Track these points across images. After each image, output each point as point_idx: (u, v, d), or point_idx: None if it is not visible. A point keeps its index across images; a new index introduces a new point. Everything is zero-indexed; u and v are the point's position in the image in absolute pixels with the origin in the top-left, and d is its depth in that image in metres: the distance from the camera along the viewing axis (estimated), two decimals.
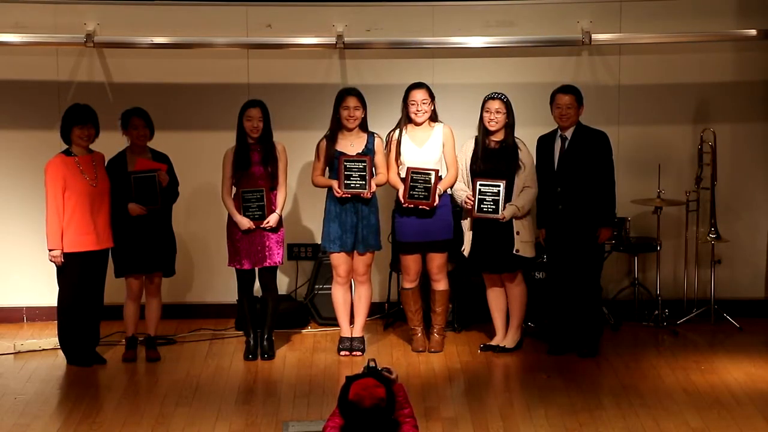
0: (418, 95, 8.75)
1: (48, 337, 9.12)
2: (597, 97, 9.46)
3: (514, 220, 8.64)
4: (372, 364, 5.62)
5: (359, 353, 8.85)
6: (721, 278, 9.70)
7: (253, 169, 8.67)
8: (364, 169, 8.69)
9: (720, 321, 9.56)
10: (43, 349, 9.00)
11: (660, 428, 7.35)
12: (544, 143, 8.80)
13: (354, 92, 8.75)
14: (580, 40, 9.49)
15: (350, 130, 8.76)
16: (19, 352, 8.97)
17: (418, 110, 8.75)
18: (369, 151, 8.75)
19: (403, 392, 5.67)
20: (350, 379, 5.49)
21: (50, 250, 8.45)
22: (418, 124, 8.81)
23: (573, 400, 7.85)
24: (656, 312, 9.53)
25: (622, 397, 7.92)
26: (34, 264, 9.47)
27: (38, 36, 9.40)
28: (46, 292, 9.32)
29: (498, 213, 8.60)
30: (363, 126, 8.79)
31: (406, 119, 8.83)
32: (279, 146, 8.75)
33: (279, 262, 8.78)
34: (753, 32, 9.43)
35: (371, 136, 8.80)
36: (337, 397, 5.50)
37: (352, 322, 8.97)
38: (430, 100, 8.78)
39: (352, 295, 8.98)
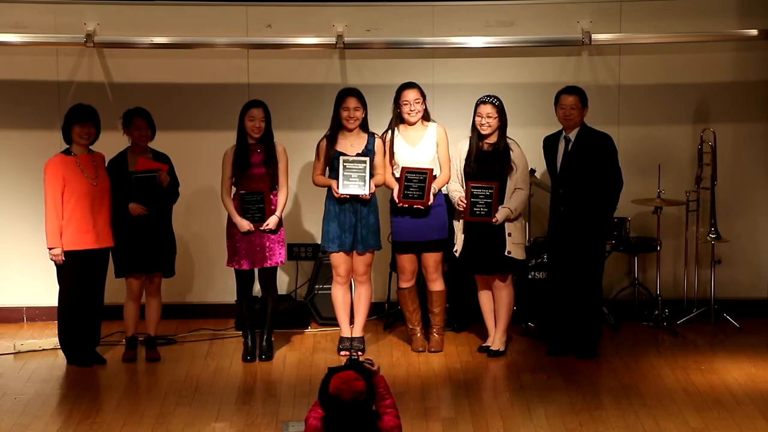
0: (411, 95, 8.75)
1: (48, 337, 9.12)
2: (597, 97, 9.45)
3: (506, 222, 8.64)
4: (354, 356, 5.67)
5: (359, 353, 8.84)
6: (721, 278, 9.70)
7: (254, 170, 8.67)
8: (363, 170, 8.69)
9: (720, 321, 9.56)
10: (43, 349, 9.00)
11: (660, 428, 7.35)
12: (549, 144, 8.79)
13: (354, 93, 8.74)
14: (580, 40, 9.49)
15: (350, 130, 8.76)
16: (19, 352, 8.98)
17: (411, 110, 8.74)
18: (369, 152, 8.74)
19: (384, 383, 5.72)
20: (331, 372, 5.52)
21: (50, 249, 8.46)
22: (411, 124, 8.81)
23: (573, 400, 7.85)
24: (656, 312, 9.53)
25: (622, 397, 7.92)
26: (34, 264, 9.46)
27: (38, 36, 9.40)
28: (46, 292, 9.32)
29: (490, 216, 8.60)
30: (363, 126, 8.79)
31: (398, 119, 8.83)
32: (279, 147, 8.75)
33: (280, 262, 8.79)
34: (754, 32, 9.44)
35: (371, 136, 8.80)
36: (318, 388, 5.52)
37: (352, 322, 8.97)
38: (422, 99, 8.77)
39: (352, 295, 8.99)
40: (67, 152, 8.53)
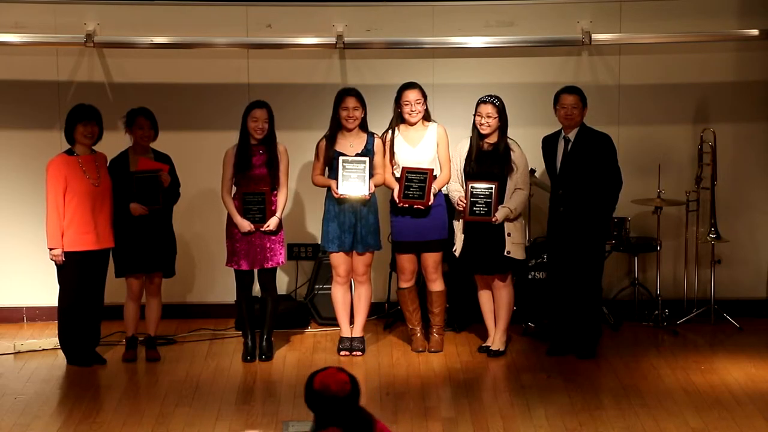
0: (412, 95, 8.75)
1: (48, 337, 9.12)
2: (597, 97, 9.46)
3: (505, 222, 8.64)
4: None
5: (359, 353, 8.85)
6: (721, 278, 9.70)
7: (255, 171, 8.67)
8: (363, 170, 8.69)
9: (720, 321, 9.56)
10: (43, 349, 9.00)
11: (660, 428, 7.35)
12: (548, 144, 8.79)
13: (353, 92, 8.74)
14: (580, 40, 9.49)
15: (350, 130, 8.76)
16: (19, 352, 8.97)
17: (412, 110, 8.74)
18: (368, 152, 8.74)
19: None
20: (313, 374, 5.46)
21: (50, 249, 8.46)
22: (411, 124, 8.81)
23: (573, 400, 7.85)
24: (656, 312, 9.53)
25: (622, 397, 7.92)
26: (34, 264, 9.47)
27: (38, 36, 9.40)
28: (46, 292, 9.32)
29: (490, 216, 8.60)
30: (363, 126, 8.79)
31: (398, 119, 8.83)
32: (281, 147, 8.75)
33: (281, 262, 8.79)
34: (754, 32, 9.43)
35: (371, 136, 8.80)
36: (303, 394, 5.43)
37: (352, 322, 8.97)
38: (423, 99, 8.77)
39: (352, 295, 8.98)
40: (69, 152, 8.52)
